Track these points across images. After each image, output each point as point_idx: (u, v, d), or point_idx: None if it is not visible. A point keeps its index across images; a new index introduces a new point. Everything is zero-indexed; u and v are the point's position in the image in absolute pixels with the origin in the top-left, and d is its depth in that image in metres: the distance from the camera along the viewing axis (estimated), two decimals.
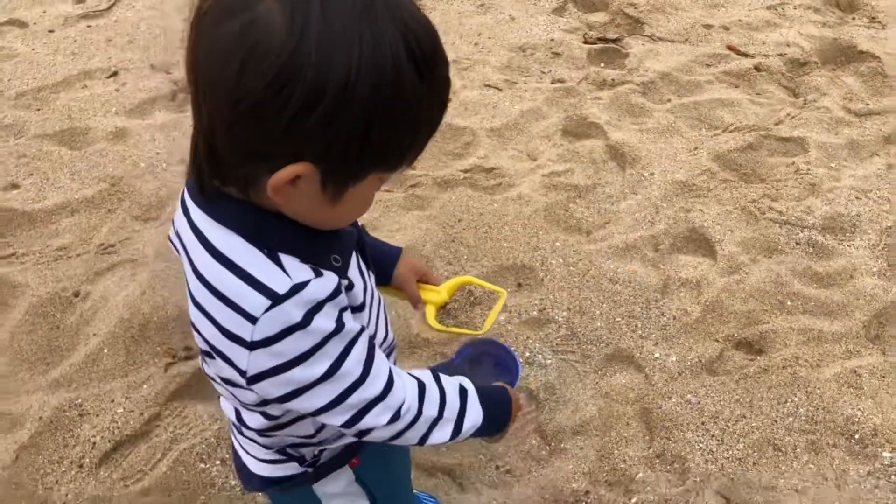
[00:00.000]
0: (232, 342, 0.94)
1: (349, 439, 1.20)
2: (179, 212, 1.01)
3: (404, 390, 1.07)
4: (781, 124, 3.15)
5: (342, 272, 1.01)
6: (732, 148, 3.02)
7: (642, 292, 2.48)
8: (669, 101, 3.30)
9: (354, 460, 1.25)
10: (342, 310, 0.98)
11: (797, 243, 2.63)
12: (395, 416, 1.06)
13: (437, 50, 0.88)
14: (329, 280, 0.96)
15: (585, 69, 3.49)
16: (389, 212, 2.77)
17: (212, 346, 0.98)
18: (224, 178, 0.92)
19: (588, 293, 2.49)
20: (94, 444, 2.07)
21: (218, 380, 1.08)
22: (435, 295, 1.39)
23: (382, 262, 1.36)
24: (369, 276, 1.14)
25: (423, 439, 1.12)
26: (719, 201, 2.80)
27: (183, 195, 1.01)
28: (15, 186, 2.87)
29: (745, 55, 3.56)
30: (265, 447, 1.19)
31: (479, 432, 1.21)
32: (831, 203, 2.77)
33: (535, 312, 2.43)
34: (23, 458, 2.03)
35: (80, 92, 3.36)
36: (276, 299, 0.91)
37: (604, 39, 3.70)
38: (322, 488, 1.26)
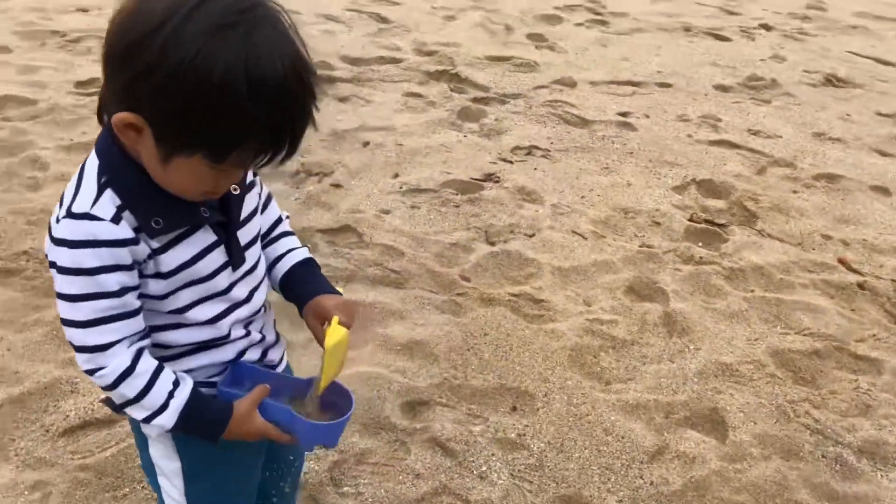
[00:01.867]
0: (48, 232, 1.16)
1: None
2: None
3: (111, 361, 1.20)
4: (863, 342, 2.92)
5: (153, 234, 1.16)
6: (796, 349, 2.84)
7: (631, 451, 2.35)
8: (752, 291, 3.19)
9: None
10: (115, 264, 1.14)
11: (823, 455, 2.39)
12: (93, 372, 1.21)
13: (281, 84, 1.04)
14: (119, 230, 1.13)
15: (678, 242, 3.46)
16: (423, 308, 2.86)
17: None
18: (107, 113, 1.13)
19: (575, 434, 2.39)
20: (67, 416, 2.25)
21: None
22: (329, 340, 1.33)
23: (304, 295, 1.43)
24: (215, 260, 1.26)
25: (122, 406, 1.27)
26: (755, 392, 2.62)
27: None
28: None
29: (856, 272, 3.38)
30: None
31: (180, 432, 1.29)
32: (881, 429, 2.50)
33: (513, 435, 2.37)
34: (6, 409, 2.25)
35: None
36: (68, 214, 1.12)
37: (710, 222, 3.67)
38: (146, 428, 1.35)
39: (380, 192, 3.60)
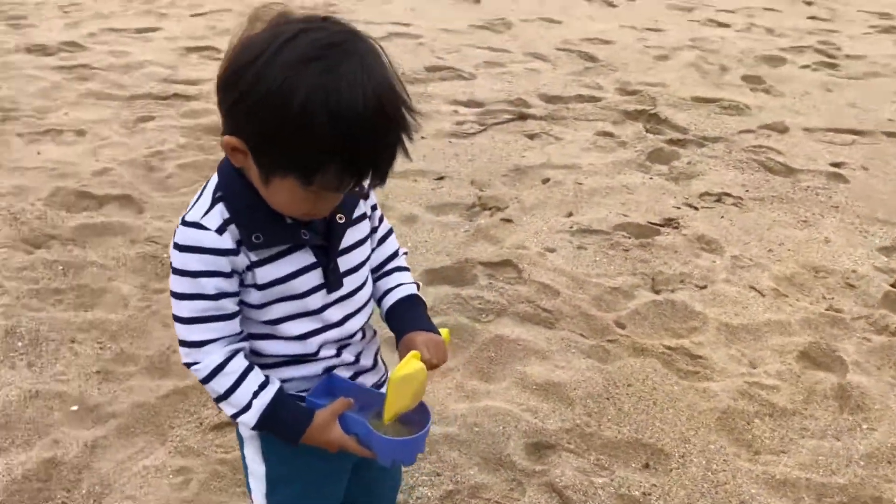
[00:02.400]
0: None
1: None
2: None
3: (206, 358, 1.32)
4: None
5: (253, 248, 1.27)
6: None
7: None
8: None
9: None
10: (215, 270, 1.26)
11: None
12: (190, 365, 1.34)
13: (360, 115, 1.11)
14: (221, 241, 1.25)
15: (873, 309, 3.12)
16: (568, 350, 2.81)
17: None
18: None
19: (707, 502, 2.23)
20: (220, 413, 2.47)
21: None
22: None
23: (402, 329, 1.48)
24: (311, 281, 1.34)
25: (216, 402, 1.37)
26: None
27: None
28: None
29: None
30: None
31: (262, 430, 1.38)
32: None
33: (637, 493, 2.26)
34: (172, 398, 2.51)
35: None
36: (183, 222, 1.28)
37: None
38: (241, 428, 1.45)
39: (549, 229, 3.59)
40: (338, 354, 1.44)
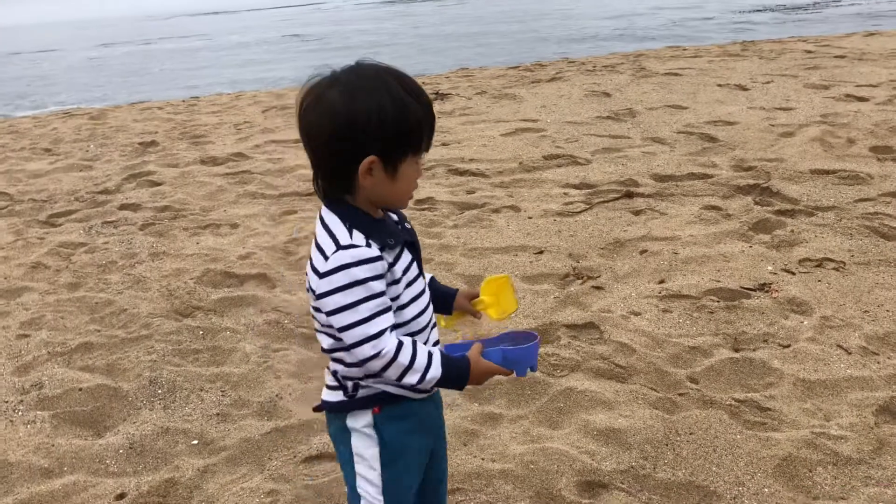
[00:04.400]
0: (314, 274, 1.59)
1: (381, 386, 1.68)
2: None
3: (389, 342, 1.60)
4: None
5: (388, 250, 1.63)
6: None
7: None
8: None
9: (376, 409, 1.70)
10: (377, 274, 1.58)
11: None
12: (377, 354, 1.59)
13: (418, 88, 1.60)
14: (372, 251, 1.59)
15: None
16: (634, 402, 2.95)
17: (309, 284, 1.61)
18: (334, 189, 1.63)
19: None
20: (311, 447, 2.84)
21: (312, 311, 1.68)
22: (482, 304, 1.91)
23: (446, 297, 1.91)
24: (414, 270, 1.71)
25: (400, 377, 1.62)
26: None
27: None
28: None
29: None
30: (331, 374, 1.72)
31: (441, 384, 1.68)
32: None
33: None
34: (273, 435, 2.91)
35: None
36: (339, 246, 1.56)
37: None
38: (351, 421, 1.71)
39: (638, 295, 3.76)
40: (432, 327, 1.80)
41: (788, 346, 3.26)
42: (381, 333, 1.58)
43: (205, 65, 14.84)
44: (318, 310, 1.63)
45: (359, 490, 1.74)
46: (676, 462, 2.63)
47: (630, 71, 9.49)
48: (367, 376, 1.66)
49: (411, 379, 1.62)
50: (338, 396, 1.71)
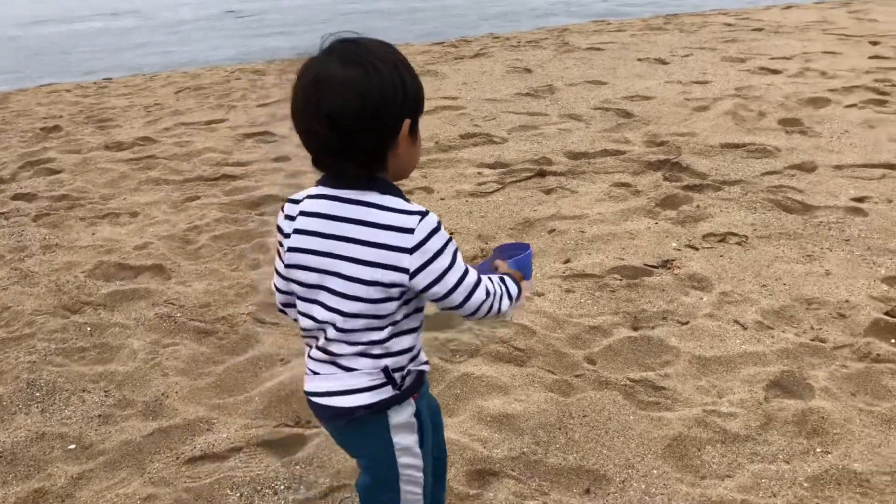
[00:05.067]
0: (396, 252, 1.51)
1: (413, 367, 1.69)
2: (289, 220, 1.62)
3: (481, 282, 1.66)
4: None
5: None
6: None
7: None
8: None
9: (416, 395, 1.72)
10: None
11: None
12: (488, 294, 1.66)
13: (409, 64, 1.57)
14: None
15: (858, 338, 3.06)
16: (531, 385, 2.91)
17: (368, 280, 1.53)
18: (369, 168, 1.54)
19: None
20: (195, 448, 2.72)
21: (353, 325, 1.59)
22: None
23: None
24: None
25: (499, 308, 1.70)
26: None
27: (284, 208, 1.65)
28: None
29: None
30: (371, 373, 1.63)
31: (510, 304, 1.75)
32: None
33: None
34: (156, 436, 2.79)
35: None
36: (423, 214, 1.53)
37: None
38: (394, 416, 1.68)
39: (542, 276, 3.72)
40: None
41: (687, 322, 3.26)
42: (479, 278, 1.64)
43: (133, 44, 14.29)
44: (400, 291, 1.55)
45: (402, 476, 1.73)
46: (568, 446, 2.60)
47: (553, 46, 9.45)
48: (470, 315, 1.66)
49: (506, 303, 1.71)
50: (384, 394, 1.65)
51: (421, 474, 1.75)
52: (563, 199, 4.65)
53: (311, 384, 1.69)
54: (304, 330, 1.67)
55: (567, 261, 3.87)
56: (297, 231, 1.59)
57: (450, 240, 1.55)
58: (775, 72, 7.33)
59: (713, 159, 5.08)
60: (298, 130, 1.53)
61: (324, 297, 1.58)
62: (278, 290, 1.75)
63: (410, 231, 1.50)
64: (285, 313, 1.80)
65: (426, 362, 1.74)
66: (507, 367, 3.04)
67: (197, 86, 8.48)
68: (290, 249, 1.59)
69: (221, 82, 8.61)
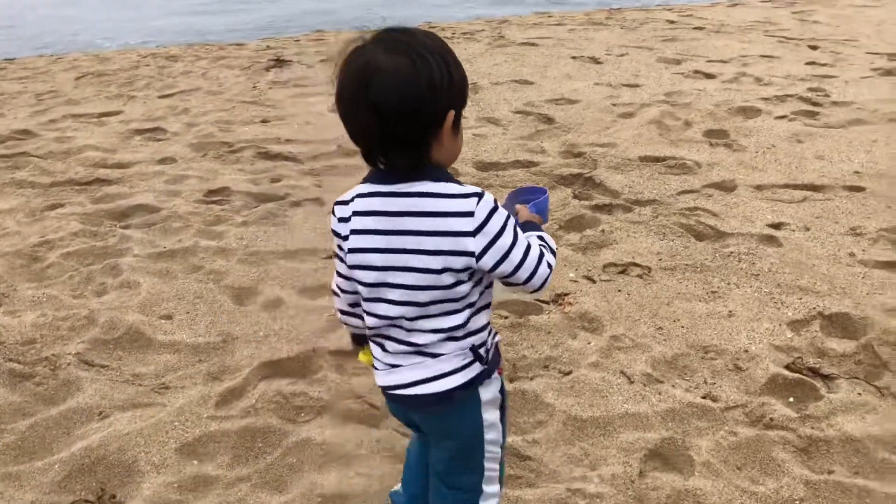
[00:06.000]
0: (461, 238, 1.52)
1: (496, 338, 1.76)
2: (343, 222, 1.62)
3: (543, 253, 1.67)
4: None
5: None
6: None
7: None
8: (830, 473, 2.40)
9: (500, 369, 1.76)
10: None
11: None
12: (550, 268, 1.67)
13: (455, 56, 1.56)
14: None
15: (754, 396, 2.75)
16: (379, 454, 2.54)
17: (440, 269, 1.54)
18: (418, 159, 1.53)
19: None
20: None
21: (432, 311, 1.60)
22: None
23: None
24: None
25: (550, 273, 1.68)
26: None
27: (335, 211, 1.65)
28: None
29: None
30: (459, 355, 1.65)
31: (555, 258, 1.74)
32: None
33: None
34: None
35: None
36: (479, 195, 1.53)
37: (813, 371, 2.87)
38: (484, 393, 1.71)
39: None
40: None
41: (569, 372, 2.92)
42: (540, 251, 1.65)
43: (51, 18, 13.50)
44: (470, 273, 1.58)
45: (487, 453, 1.77)
46: None
47: (488, 40, 9.06)
48: (536, 290, 1.67)
49: (553, 261, 1.70)
50: (475, 371, 1.67)
51: (499, 450, 1.81)
52: None
53: (391, 378, 1.69)
54: (371, 328, 1.68)
55: None
56: (354, 231, 1.60)
57: (509, 217, 1.57)
58: (710, 76, 7.05)
59: (629, 175, 4.74)
60: (344, 119, 1.53)
61: (392, 293, 1.60)
62: (343, 291, 1.77)
63: (471, 214, 1.52)
64: (345, 322, 1.84)
65: (497, 333, 1.78)
66: (356, 429, 2.66)
67: (100, 71, 7.91)
68: (352, 251, 1.61)
69: (129, 68, 8.05)
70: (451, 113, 1.51)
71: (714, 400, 2.75)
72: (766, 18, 9.95)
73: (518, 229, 1.59)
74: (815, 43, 8.26)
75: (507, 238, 1.55)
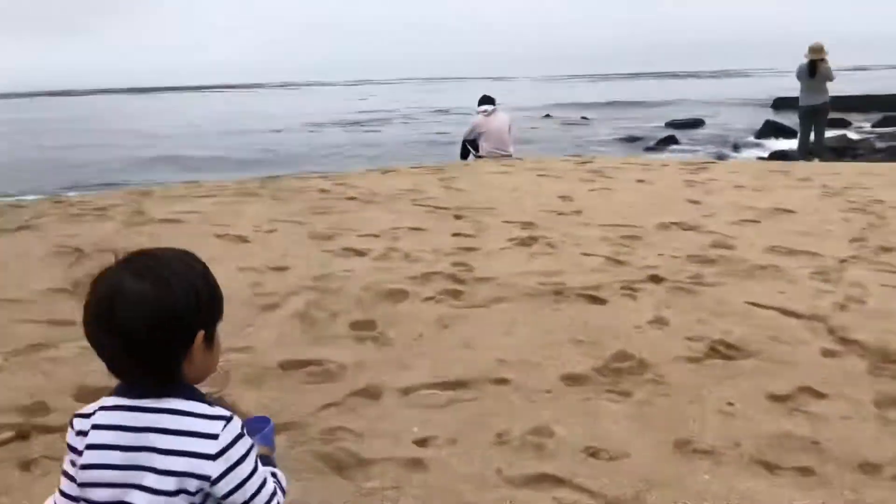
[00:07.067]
0: (200, 459, 1.64)
1: None
2: (81, 436, 1.71)
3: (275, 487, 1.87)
4: None
5: None
6: None
7: None
8: None
9: None
10: None
11: None
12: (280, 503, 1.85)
13: (209, 275, 1.86)
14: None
15: None
16: None
17: (173, 490, 1.63)
18: (169, 376, 1.71)
19: None
20: None
21: None
22: None
23: None
24: None
25: None
26: None
27: (74, 424, 1.76)
28: None
29: None
30: None
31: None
32: None
33: None
34: None
35: None
36: (227, 419, 1.70)
37: None
38: None
39: None
40: None
41: None
42: (274, 489, 1.77)
43: None
44: (203, 496, 1.63)
45: None
46: None
47: (124, 216, 8.18)
48: None
49: (283, 499, 1.81)
50: None
51: None
52: (46, 477, 3.32)
53: None
54: None
55: None
56: (90, 447, 1.63)
57: (253, 447, 1.67)
58: (360, 253, 6.88)
59: (266, 391, 4.16)
60: (91, 341, 1.62)
61: None
62: None
63: (215, 437, 1.61)
64: None
65: None
66: None
67: None
68: (84, 467, 1.62)
69: None
70: (201, 333, 1.65)
71: None
72: (415, 185, 10.29)
73: (259, 461, 1.68)
74: (459, 212, 8.59)
75: (247, 467, 1.65)
